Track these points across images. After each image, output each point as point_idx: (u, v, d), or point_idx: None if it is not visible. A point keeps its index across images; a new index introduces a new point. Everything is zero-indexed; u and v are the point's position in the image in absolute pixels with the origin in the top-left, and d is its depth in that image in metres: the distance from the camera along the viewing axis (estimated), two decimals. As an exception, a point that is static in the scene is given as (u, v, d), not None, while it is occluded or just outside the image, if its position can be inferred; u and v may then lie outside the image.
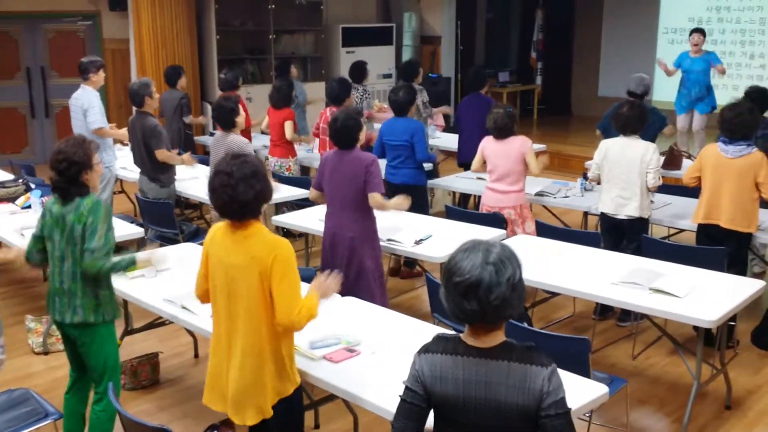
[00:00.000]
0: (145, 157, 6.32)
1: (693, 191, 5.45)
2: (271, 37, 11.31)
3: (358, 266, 4.66)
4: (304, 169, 7.81)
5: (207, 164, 6.97)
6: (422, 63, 11.88)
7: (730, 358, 4.70)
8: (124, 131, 6.69)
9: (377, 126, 7.08)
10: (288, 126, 7.21)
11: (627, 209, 5.26)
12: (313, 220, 5.48)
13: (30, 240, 3.68)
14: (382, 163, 5.87)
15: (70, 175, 3.43)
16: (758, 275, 5.80)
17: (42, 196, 5.89)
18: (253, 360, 3.04)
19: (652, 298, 3.99)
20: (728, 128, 4.90)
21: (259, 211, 3.05)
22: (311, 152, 7.74)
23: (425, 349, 2.25)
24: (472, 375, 2.15)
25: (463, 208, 6.49)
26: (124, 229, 5.30)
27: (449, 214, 5.85)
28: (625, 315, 5.42)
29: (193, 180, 6.76)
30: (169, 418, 4.33)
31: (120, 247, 4.77)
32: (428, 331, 3.60)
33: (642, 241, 5.11)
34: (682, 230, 5.90)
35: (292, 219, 5.74)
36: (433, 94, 10.37)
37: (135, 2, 10.20)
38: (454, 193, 8.00)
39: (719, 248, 4.78)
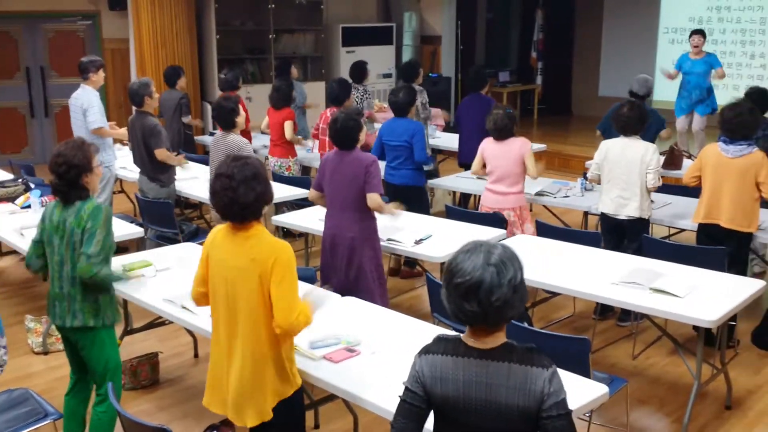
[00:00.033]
0: (144, 156, 6.31)
1: (693, 191, 5.45)
2: (271, 36, 11.31)
3: (358, 266, 4.65)
4: (305, 169, 7.81)
5: (207, 164, 6.96)
6: (422, 63, 11.91)
7: (731, 358, 4.69)
8: (123, 131, 6.69)
9: (378, 126, 7.07)
10: (288, 126, 7.21)
11: (627, 209, 5.25)
12: (313, 220, 5.48)
13: (30, 245, 3.68)
14: (382, 164, 5.87)
15: (69, 178, 3.43)
16: (758, 275, 5.80)
17: (41, 195, 5.89)
18: (253, 363, 3.03)
19: (652, 298, 3.99)
20: (729, 128, 4.89)
21: (260, 212, 3.05)
22: (311, 152, 7.74)
23: (426, 350, 2.25)
24: (472, 376, 2.15)
25: (464, 208, 6.49)
26: (124, 229, 5.29)
27: (449, 214, 5.84)
28: (626, 315, 5.42)
29: (193, 180, 6.76)
30: (169, 418, 4.32)
31: (120, 248, 4.78)
32: (428, 331, 3.60)
33: (642, 241, 5.11)
34: (682, 230, 5.90)
35: (292, 219, 5.73)
36: (434, 94, 10.38)
37: (135, 2, 10.20)
38: (454, 193, 8.00)
39: (719, 248, 4.78)
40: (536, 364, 2.13)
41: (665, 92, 10.84)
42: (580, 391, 2.98)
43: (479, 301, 2.08)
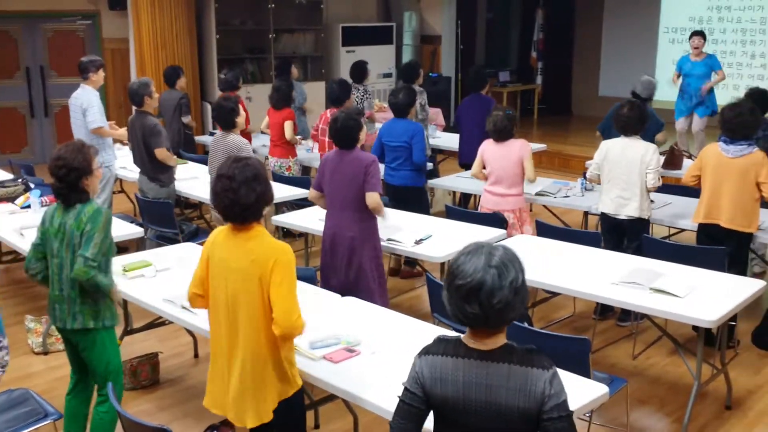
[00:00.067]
0: (144, 156, 6.31)
1: (693, 191, 5.45)
2: (271, 36, 11.30)
3: (358, 266, 4.65)
4: (305, 169, 7.81)
5: (206, 164, 6.96)
6: (422, 62, 11.90)
7: (731, 358, 4.69)
8: (123, 131, 6.69)
9: (378, 126, 7.07)
10: (288, 126, 7.20)
11: (627, 209, 5.25)
12: (313, 220, 5.48)
13: (29, 249, 3.68)
14: (381, 165, 5.86)
15: (69, 181, 3.43)
16: (758, 275, 5.80)
17: (41, 195, 5.89)
18: (253, 364, 3.04)
19: (652, 298, 3.99)
20: (729, 128, 4.89)
21: (261, 213, 3.06)
22: (311, 152, 7.73)
23: (426, 351, 2.25)
24: (472, 377, 2.15)
25: (464, 208, 6.49)
26: (124, 229, 5.29)
27: (449, 214, 5.84)
28: (626, 315, 5.42)
29: (193, 180, 6.76)
30: (169, 418, 4.32)
31: (120, 248, 4.78)
32: (428, 331, 3.60)
33: (642, 240, 5.11)
34: (682, 230, 5.90)
35: (292, 219, 5.73)
36: (434, 94, 10.39)
37: (134, 2, 10.19)
38: (454, 193, 8.00)
39: (719, 248, 4.78)
40: (536, 365, 2.13)
41: (665, 92, 10.83)
42: (580, 391, 2.98)
43: (480, 303, 2.08)
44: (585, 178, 6.08)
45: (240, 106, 5.78)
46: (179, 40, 10.38)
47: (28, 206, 5.87)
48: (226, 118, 5.68)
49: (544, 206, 6.48)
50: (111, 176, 6.83)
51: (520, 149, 5.60)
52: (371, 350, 3.44)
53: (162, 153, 6.21)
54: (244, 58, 11.28)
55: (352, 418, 3.96)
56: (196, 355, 5.07)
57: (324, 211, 4.85)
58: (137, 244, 5.99)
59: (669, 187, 6.11)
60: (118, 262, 4.34)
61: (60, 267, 3.51)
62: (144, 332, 4.92)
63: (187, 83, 9.26)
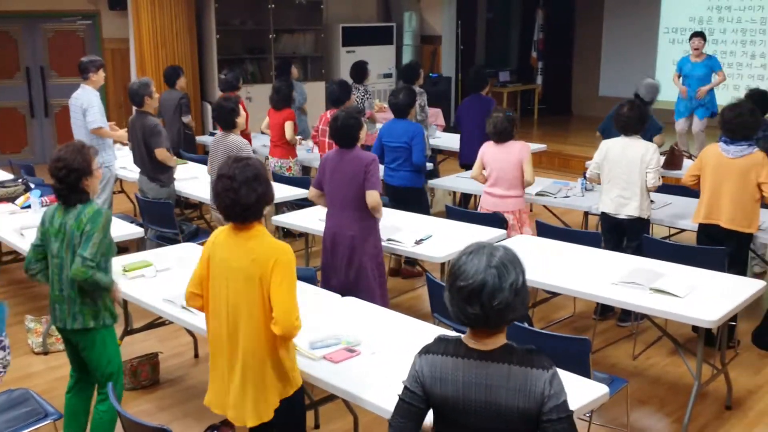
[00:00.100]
0: (145, 156, 6.31)
1: (693, 191, 5.45)
2: (271, 36, 11.30)
3: (359, 266, 4.65)
4: (305, 170, 7.81)
5: (206, 164, 6.96)
6: (422, 63, 11.90)
7: (731, 359, 4.69)
8: (123, 132, 6.69)
9: (378, 126, 7.07)
10: (288, 126, 7.20)
11: (627, 209, 5.25)
12: (313, 220, 5.48)
13: (29, 250, 3.69)
14: (381, 165, 5.86)
15: (69, 182, 3.44)
16: (758, 275, 5.80)
17: (41, 195, 5.89)
18: (253, 363, 3.04)
19: (652, 298, 3.99)
20: (729, 128, 4.89)
21: (261, 213, 3.07)
22: (311, 152, 7.73)
23: (426, 350, 2.25)
24: (472, 377, 2.15)
25: (464, 209, 6.49)
26: (124, 229, 5.29)
27: (449, 214, 5.84)
28: (626, 315, 5.42)
29: (193, 180, 6.76)
30: (169, 418, 4.32)
31: (120, 248, 4.78)
32: (428, 331, 3.60)
33: (642, 240, 5.11)
34: (682, 230, 5.90)
35: (292, 219, 5.73)
36: (434, 94, 10.38)
37: (135, 2, 10.19)
38: (454, 193, 8.00)
39: (720, 248, 4.78)
40: (536, 365, 2.13)
41: (665, 93, 10.82)
42: (580, 392, 2.98)
43: (481, 304, 2.08)
44: (585, 178, 6.08)
45: (240, 107, 5.78)
46: (179, 40, 10.38)
47: (28, 206, 5.88)
48: (226, 119, 5.68)
49: (544, 206, 6.48)
50: (111, 176, 6.83)
51: (519, 151, 5.60)
52: (371, 350, 3.44)
53: (162, 153, 6.21)
54: (244, 58, 11.28)
55: (352, 418, 3.96)
56: (196, 355, 5.07)
57: (324, 212, 4.86)
58: (137, 245, 5.99)
59: (669, 187, 6.11)
60: (118, 263, 4.34)
61: (60, 267, 3.51)
62: (144, 332, 4.92)
63: (187, 83, 9.27)
